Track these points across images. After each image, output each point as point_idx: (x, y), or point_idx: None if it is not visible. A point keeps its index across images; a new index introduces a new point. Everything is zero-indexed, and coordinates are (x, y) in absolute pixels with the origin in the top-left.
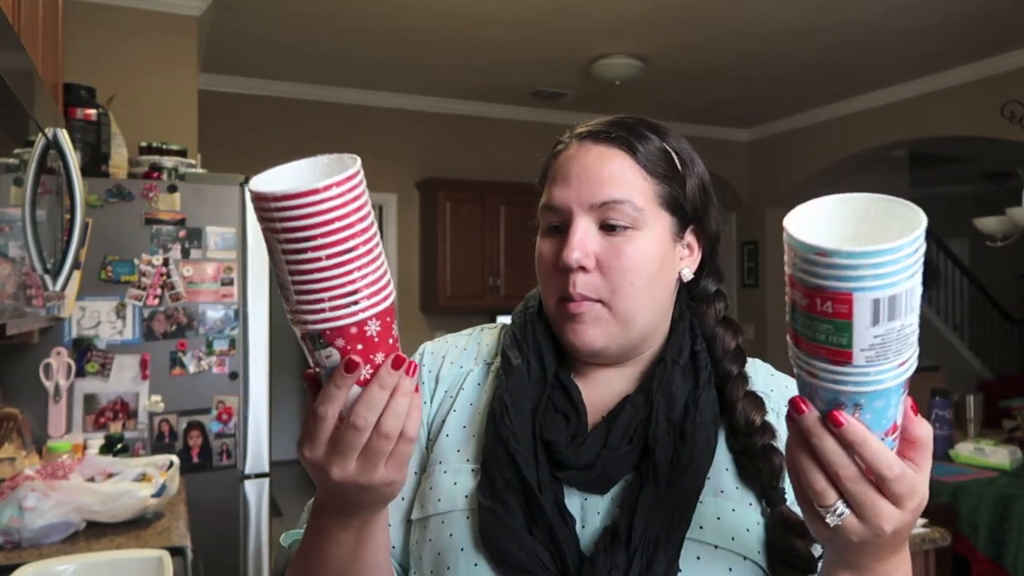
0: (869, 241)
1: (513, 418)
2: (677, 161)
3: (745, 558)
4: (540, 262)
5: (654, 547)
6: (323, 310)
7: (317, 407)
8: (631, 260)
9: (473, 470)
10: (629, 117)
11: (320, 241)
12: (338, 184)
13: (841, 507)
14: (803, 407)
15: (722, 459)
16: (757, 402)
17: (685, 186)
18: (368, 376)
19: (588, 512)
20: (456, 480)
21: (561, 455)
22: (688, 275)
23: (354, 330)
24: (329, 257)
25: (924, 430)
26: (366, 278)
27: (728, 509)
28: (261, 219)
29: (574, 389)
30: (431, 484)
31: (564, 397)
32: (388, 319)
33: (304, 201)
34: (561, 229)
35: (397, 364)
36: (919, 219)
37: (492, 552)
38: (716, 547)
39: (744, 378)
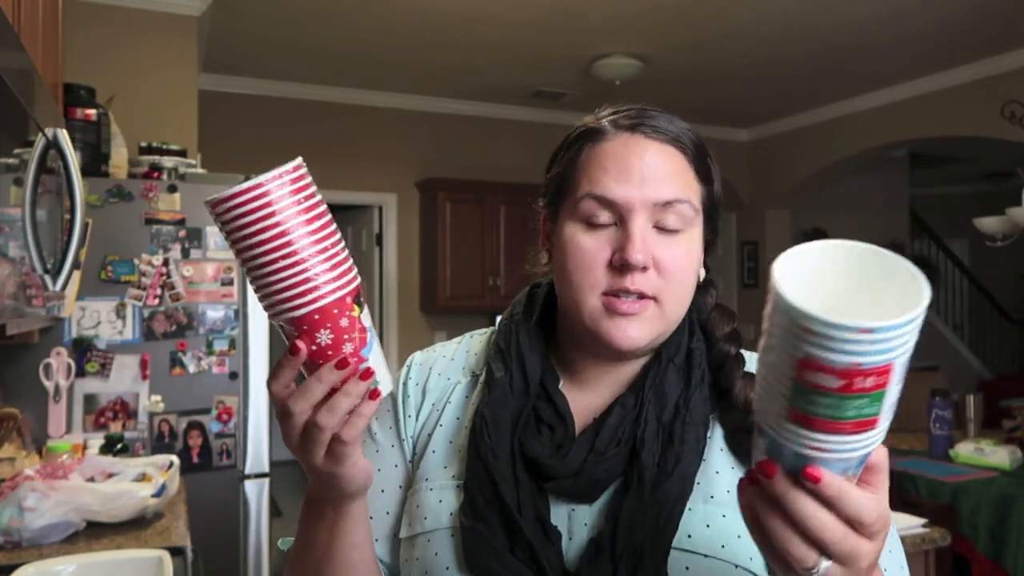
0: (875, 301)
1: (492, 434)
2: (709, 159)
3: (736, 566)
4: (580, 255)
5: (639, 556)
6: (276, 303)
7: (269, 382)
8: (683, 260)
9: (458, 487)
10: (656, 109)
11: (251, 241)
12: (263, 184)
13: (823, 563)
14: (773, 468)
15: (713, 462)
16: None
17: (715, 187)
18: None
19: (575, 524)
20: (441, 498)
21: (545, 468)
22: (703, 272)
23: (316, 317)
24: (263, 255)
25: (881, 453)
26: (310, 271)
27: (718, 515)
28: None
29: (560, 399)
30: (417, 502)
31: (550, 408)
32: (338, 311)
33: (233, 203)
34: (607, 220)
35: (340, 365)
36: (914, 275)
37: (476, 572)
38: (706, 556)
39: (741, 359)
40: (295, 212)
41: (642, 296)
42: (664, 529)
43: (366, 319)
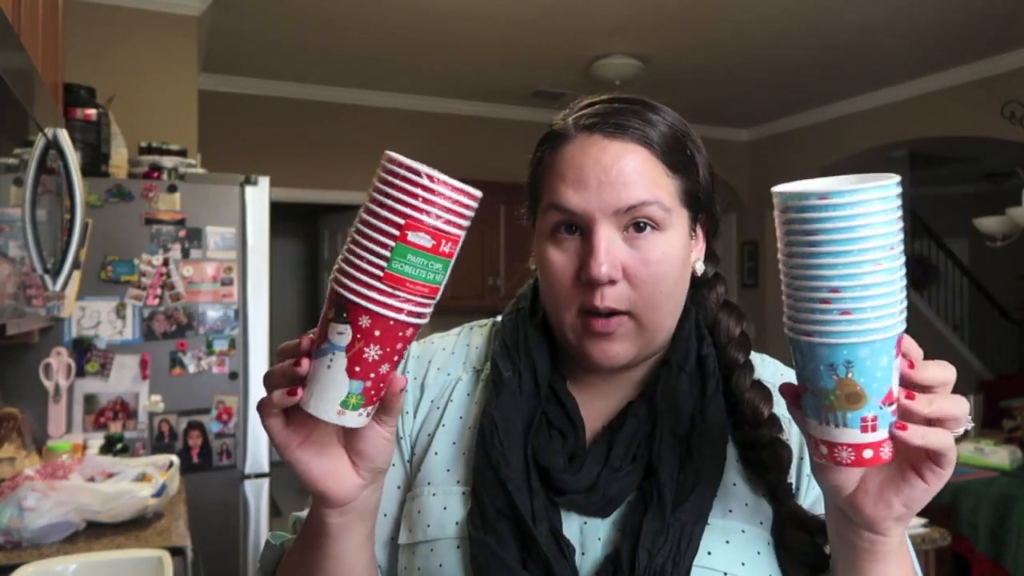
0: None
1: (503, 439)
2: (690, 147)
3: None
4: (550, 271)
5: None
6: (365, 287)
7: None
8: (659, 267)
9: (463, 493)
10: (627, 99)
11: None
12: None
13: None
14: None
15: (730, 473)
16: (765, 393)
17: (698, 174)
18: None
19: (588, 538)
20: (446, 505)
21: (558, 480)
22: (701, 268)
23: (384, 326)
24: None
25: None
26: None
27: (738, 531)
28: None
29: (571, 402)
30: (419, 507)
31: (560, 411)
32: (402, 343)
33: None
34: (573, 230)
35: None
36: (888, 176)
37: None
38: (725, 574)
39: (750, 367)
40: None
41: (614, 313)
42: (686, 550)
43: (332, 332)
